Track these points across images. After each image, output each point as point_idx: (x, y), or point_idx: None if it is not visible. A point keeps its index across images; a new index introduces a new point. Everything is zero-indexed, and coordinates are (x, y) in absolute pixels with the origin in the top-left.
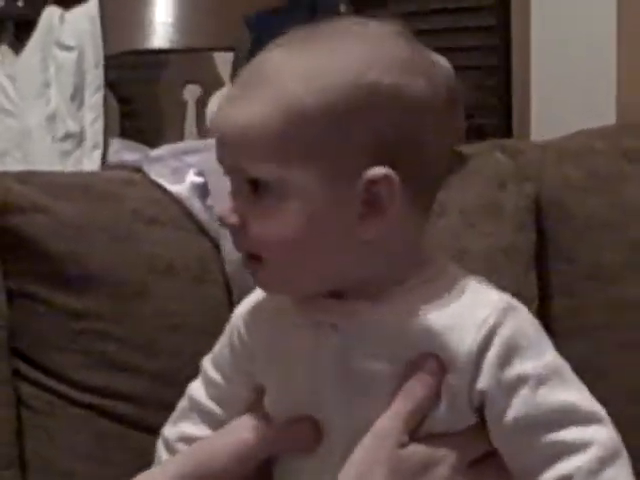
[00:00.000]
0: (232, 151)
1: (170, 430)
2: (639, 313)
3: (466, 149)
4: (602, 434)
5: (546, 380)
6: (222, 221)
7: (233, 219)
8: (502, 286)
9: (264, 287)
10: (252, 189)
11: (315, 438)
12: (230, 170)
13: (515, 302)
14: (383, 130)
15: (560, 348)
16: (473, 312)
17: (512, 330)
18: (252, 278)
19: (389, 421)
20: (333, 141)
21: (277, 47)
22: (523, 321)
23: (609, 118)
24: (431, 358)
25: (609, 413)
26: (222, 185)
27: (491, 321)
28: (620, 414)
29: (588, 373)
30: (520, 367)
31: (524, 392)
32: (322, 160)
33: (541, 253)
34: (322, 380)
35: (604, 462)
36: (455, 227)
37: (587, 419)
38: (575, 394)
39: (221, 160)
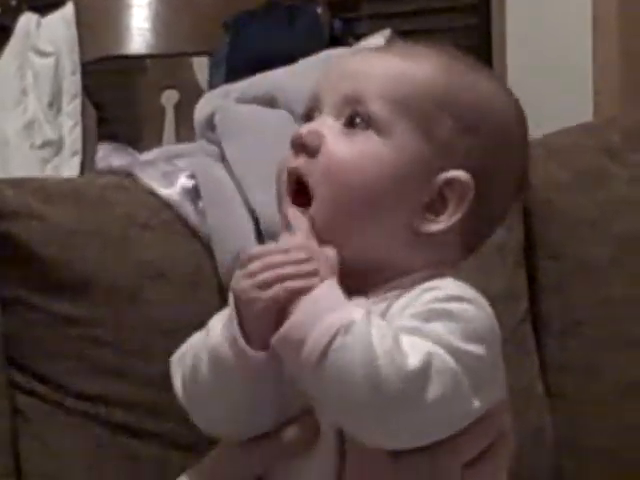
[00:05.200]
0: (362, 84)
1: None
2: (625, 309)
3: None
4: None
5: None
6: (298, 139)
7: (313, 140)
8: (493, 283)
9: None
10: (352, 122)
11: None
12: (339, 100)
13: (481, 301)
14: (482, 148)
15: (553, 346)
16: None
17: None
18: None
19: None
20: (447, 129)
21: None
22: (471, 309)
23: (586, 115)
24: None
25: (604, 410)
26: (214, 188)
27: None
28: (615, 410)
29: (582, 370)
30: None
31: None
32: (430, 135)
33: (529, 251)
34: None
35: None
36: None
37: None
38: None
39: (330, 91)
